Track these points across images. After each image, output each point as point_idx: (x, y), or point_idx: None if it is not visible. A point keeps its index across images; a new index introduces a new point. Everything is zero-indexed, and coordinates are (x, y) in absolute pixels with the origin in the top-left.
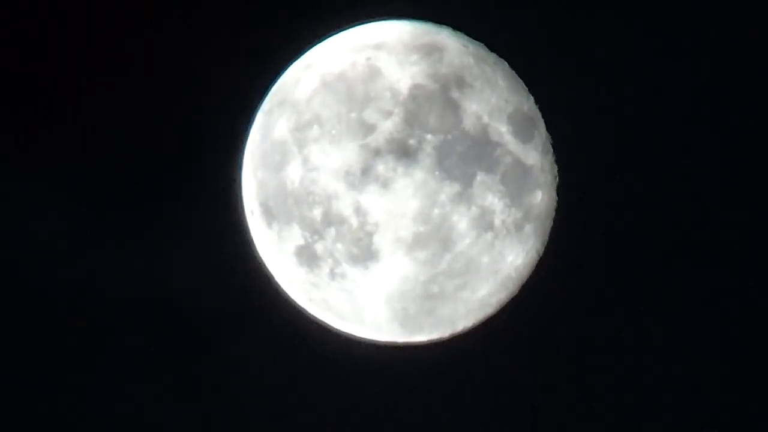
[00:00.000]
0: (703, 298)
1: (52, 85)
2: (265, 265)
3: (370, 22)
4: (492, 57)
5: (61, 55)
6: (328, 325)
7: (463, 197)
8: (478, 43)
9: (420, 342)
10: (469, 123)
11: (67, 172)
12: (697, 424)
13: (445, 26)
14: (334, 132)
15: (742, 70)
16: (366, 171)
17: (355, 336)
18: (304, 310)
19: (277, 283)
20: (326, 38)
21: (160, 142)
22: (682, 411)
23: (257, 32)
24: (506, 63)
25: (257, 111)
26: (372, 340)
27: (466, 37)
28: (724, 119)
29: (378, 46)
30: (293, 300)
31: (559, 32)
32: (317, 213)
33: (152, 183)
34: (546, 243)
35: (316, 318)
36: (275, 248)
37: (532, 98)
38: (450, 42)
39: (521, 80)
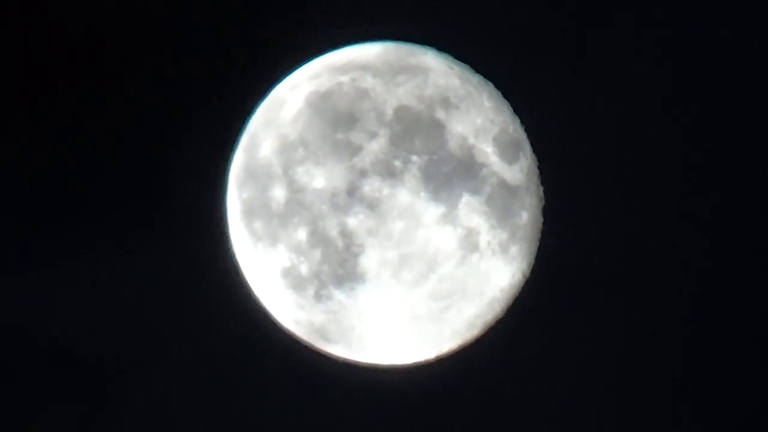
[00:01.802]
0: (688, 316)
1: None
2: (249, 286)
3: (355, 44)
4: (477, 78)
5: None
6: (315, 347)
7: (449, 218)
8: (464, 64)
9: (406, 364)
10: (454, 144)
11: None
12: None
13: (430, 47)
14: (319, 153)
15: (729, 87)
16: (351, 192)
17: (341, 358)
18: (290, 331)
19: (262, 304)
20: (312, 59)
21: (145, 160)
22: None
23: (243, 53)
24: (491, 84)
25: (242, 132)
26: (358, 362)
27: (451, 58)
28: (712, 136)
29: (364, 67)
30: (278, 321)
31: (545, 54)
32: (302, 234)
33: (137, 202)
34: (532, 264)
35: (302, 340)
36: (260, 269)
37: (517, 119)
38: (435, 63)
39: (507, 101)
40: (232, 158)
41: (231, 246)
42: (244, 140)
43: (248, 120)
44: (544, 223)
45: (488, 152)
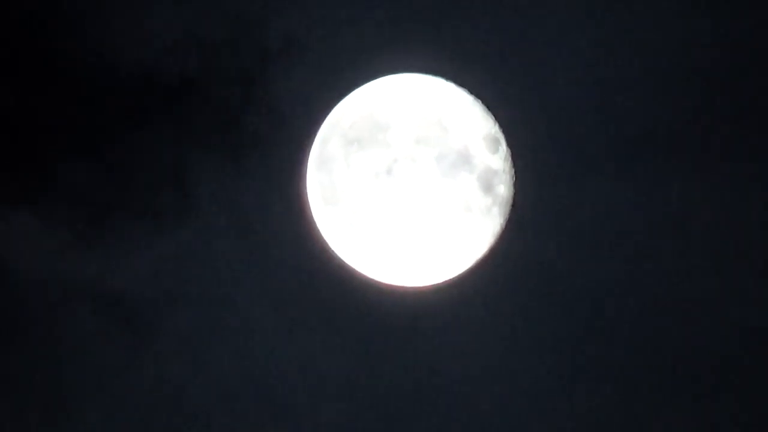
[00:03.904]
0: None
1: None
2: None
3: (382, 76)
4: (471, 97)
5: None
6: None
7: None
8: (463, 89)
9: (426, 285)
10: (454, 140)
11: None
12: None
13: (435, 75)
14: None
15: (696, 97)
16: (389, 171)
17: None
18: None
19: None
20: (357, 87)
21: (252, 150)
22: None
23: (310, 81)
24: (480, 101)
25: (316, 135)
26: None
27: (452, 84)
28: (668, 146)
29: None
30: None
31: (519, 73)
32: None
33: (245, 184)
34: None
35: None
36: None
37: (496, 123)
38: (447, 94)
39: (490, 112)
40: (309, 152)
41: (310, 208)
42: (317, 140)
43: (320, 127)
44: (515, 194)
45: (478, 147)
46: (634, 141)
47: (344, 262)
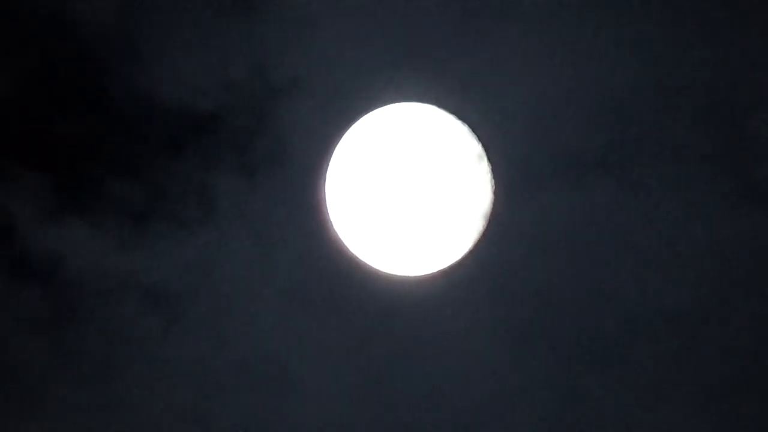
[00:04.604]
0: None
1: None
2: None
3: (385, 105)
4: (459, 122)
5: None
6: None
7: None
8: (452, 114)
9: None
10: (443, 157)
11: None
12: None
13: (428, 103)
14: None
15: (657, 113)
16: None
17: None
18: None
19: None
20: (354, 118)
21: (263, 169)
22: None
23: (324, 105)
24: (467, 125)
25: (336, 146)
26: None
27: (442, 111)
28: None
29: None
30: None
31: (500, 99)
32: None
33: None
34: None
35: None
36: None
37: (480, 143)
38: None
39: (474, 133)
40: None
41: (327, 208)
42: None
43: (340, 140)
44: (494, 196)
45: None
46: (599, 155)
47: (355, 255)
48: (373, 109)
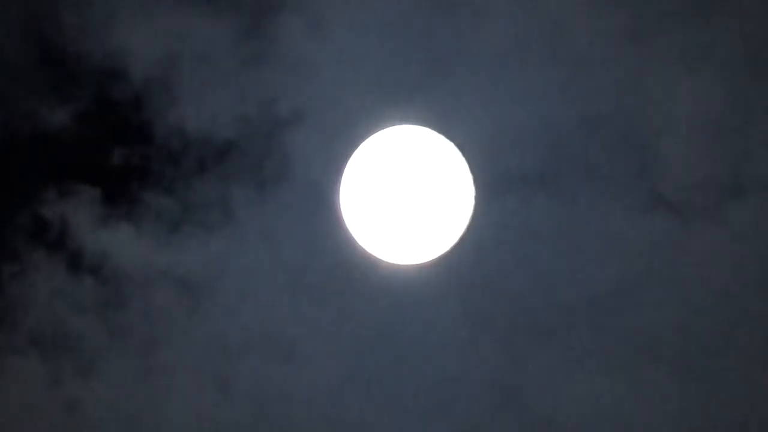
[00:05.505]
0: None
1: None
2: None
3: (385, 128)
4: (446, 141)
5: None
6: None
7: None
8: (441, 135)
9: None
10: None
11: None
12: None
13: (419, 125)
14: None
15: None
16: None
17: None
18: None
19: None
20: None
21: (274, 185)
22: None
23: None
24: (453, 143)
25: (346, 164)
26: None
27: (434, 132)
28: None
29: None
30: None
31: (487, 120)
32: None
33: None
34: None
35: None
36: None
37: (465, 160)
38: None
39: (459, 151)
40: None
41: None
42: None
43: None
44: (476, 196)
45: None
46: (539, 171)
47: (365, 249)
48: (371, 134)
